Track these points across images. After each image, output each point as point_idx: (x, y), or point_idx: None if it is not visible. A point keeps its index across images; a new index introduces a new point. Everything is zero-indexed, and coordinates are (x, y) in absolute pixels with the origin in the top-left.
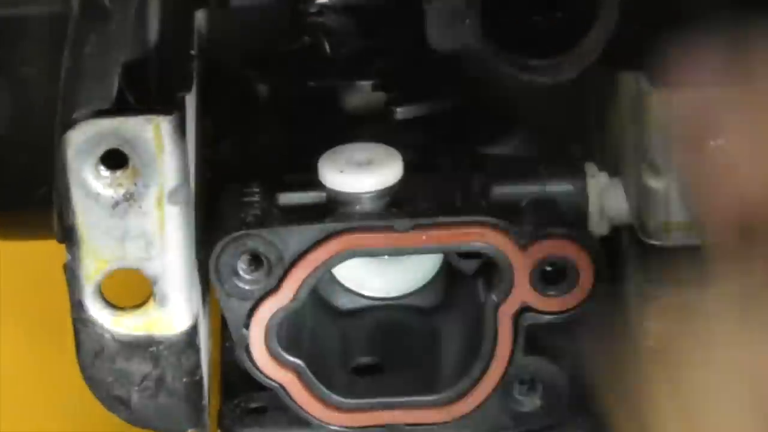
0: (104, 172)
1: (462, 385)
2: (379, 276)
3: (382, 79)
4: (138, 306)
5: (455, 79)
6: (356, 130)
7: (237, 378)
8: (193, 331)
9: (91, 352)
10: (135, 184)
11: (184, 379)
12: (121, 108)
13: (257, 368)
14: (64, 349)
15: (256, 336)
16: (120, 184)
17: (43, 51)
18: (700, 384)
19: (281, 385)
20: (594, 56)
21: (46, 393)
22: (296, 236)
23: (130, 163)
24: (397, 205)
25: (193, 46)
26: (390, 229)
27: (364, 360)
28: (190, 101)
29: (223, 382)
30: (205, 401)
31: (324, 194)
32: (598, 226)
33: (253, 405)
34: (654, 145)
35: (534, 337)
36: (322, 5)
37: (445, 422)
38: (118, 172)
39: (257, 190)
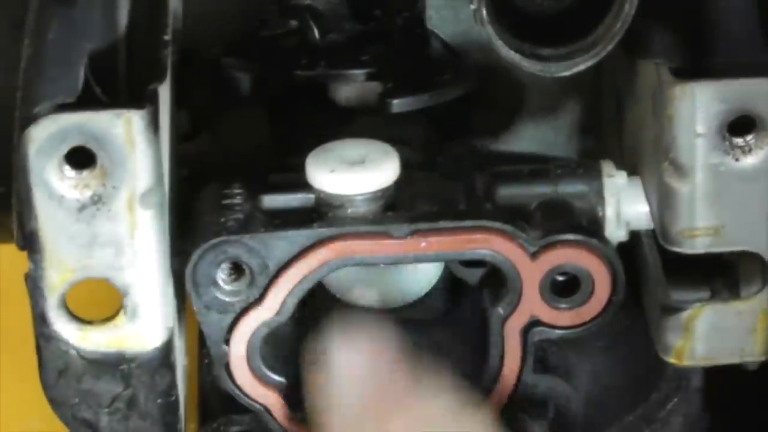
0: (69, 172)
1: None
2: (374, 286)
3: (376, 67)
4: (107, 320)
5: (457, 68)
6: (348, 124)
7: (216, 399)
8: (168, 347)
9: (54, 371)
10: (103, 186)
11: (159, 401)
12: (87, 101)
13: (238, 389)
14: None
15: (238, 353)
16: (86, 186)
17: None
18: None
19: (265, 407)
20: (611, 44)
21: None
22: (282, 243)
23: (98, 163)
24: (394, 208)
25: (167, 31)
26: (386, 235)
27: None
28: (164, 93)
29: (200, 403)
30: (181, 425)
31: (312, 196)
32: (616, 232)
33: (234, 429)
34: (677, 142)
35: (544, 354)
36: None
37: None
38: (85, 173)
39: (239, 191)
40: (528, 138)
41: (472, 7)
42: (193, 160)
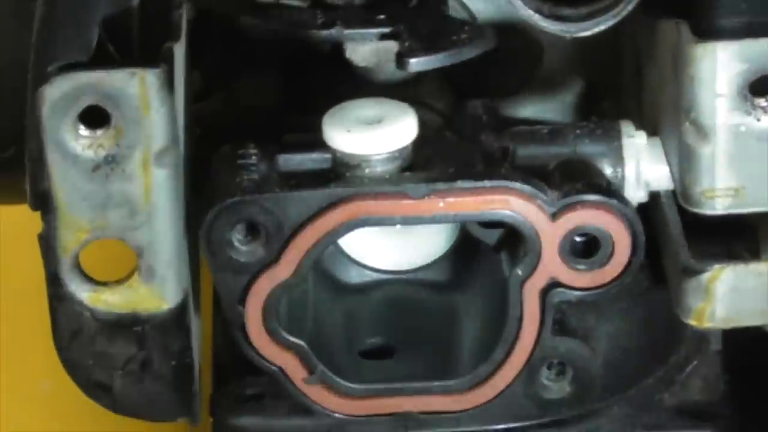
0: (83, 131)
1: (483, 369)
2: (391, 247)
3: (392, 27)
4: (121, 281)
5: (474, 28)
6: (363, 85)
7: (231, 361)
8: (183, 308)
9: (68, 333)
10: (117, 145)
11: (173, 363)
12: (101, 61)
13: (254, 350)
14: None
15: (253, 314)
16: (101, 145)
17: None
18: None
19: (280, 369)
20: (632, 4)
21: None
22: (298, 203)
23: (113, 122)
24: (411, 168)
25: None
26: (403, 195)
27: (373, 341)
28: (179, 53)
29: (215, 366)
30: (196, 387)
31: (329, 156)
32: (635, 192)
33: (249, 391)
34: (698, 102)
35: (564, 316)
36: None
37: (463, 411)
38: (99, 132)
39: (254, 151)
40: (546, 99)
41: None
42: (208, 120)
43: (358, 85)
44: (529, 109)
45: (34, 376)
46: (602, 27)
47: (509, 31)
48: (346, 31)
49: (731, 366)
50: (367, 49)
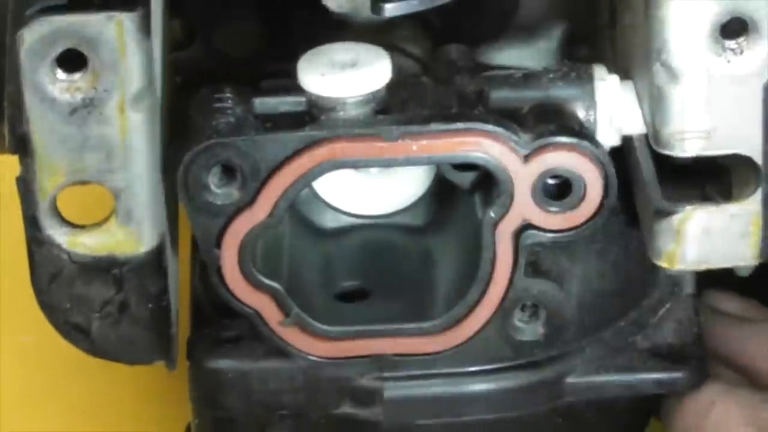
0: (61, 74)
1: (457, 311)
2: (366, 191)
3: None
4: (98, 224)
5: None
6: (338, 30)
7: (208, 304)
8: (160, 251)
9: (46, 275)
10: (95, 89)
11: (150, 305)
12: (79, 3)
13: (230, 292)
14: None
15: (229, 256)
16: (78, 89)
17: None
18: None
19: (256, 312)
20: None
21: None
22: (273, 146)
23: (90, 65)
24: (385, 111)
25: None
26: (377, 137)
27: (349, 284)
28: None
29: (192, 308)
30: (173, 330)
31: (304, 99)
32: (608, 135)
33: (226, 334)
34: (668, 44)
35: (537, 258)
36: None
37: (439, 352)
38: (76, 75)
39: (230, 95)
40: (521, 46)
41: None
42: (188, 67)
43: (336, 31)
44: (506, 55)
45: (14, 330)
46: None
47: None
48: None
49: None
50: None
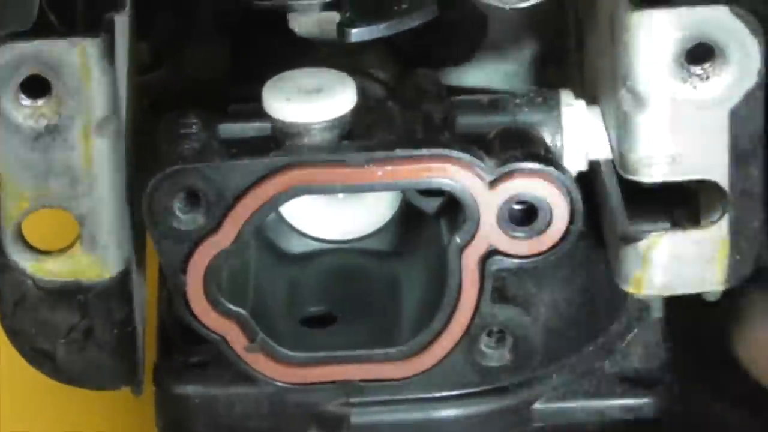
0: (25, 100)
1: (423, 337)
2: (332, 216)
3: None
4: (63, 249)
5: None
6: (306, 55)
7: (175, 330)
8: (125, 277)
9: (11, 301)
10: (59, 115)
11: (115, 331)
12: (42, 30)
13: (196, 318)
14: None
15: (194, 282)
16: (42, 115)
17: None
18: None
19: (222, 337)
20: None
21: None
22: (238, 172)
23: (54, 91)
24: (350, 136)
25: None
26: (342, 163)
27: (315, 309)
28: (122, 22)
29: (159, 334)
30: (139, 355)
31: (269, 125)
32: (574, 161)
33: (193, 359)
34: (634, 70)
35: (503, 284)
36: None
37: (406, 378)
38: (40, 101)
39: (195, 120)
40: (489, 69)
41: None
42: (155, 91)
43: (303, 54)
44: (475, 78)
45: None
46: None
47: (452, 1)
48: (289, 2)
49: (672, 335)
50: (310, 19)
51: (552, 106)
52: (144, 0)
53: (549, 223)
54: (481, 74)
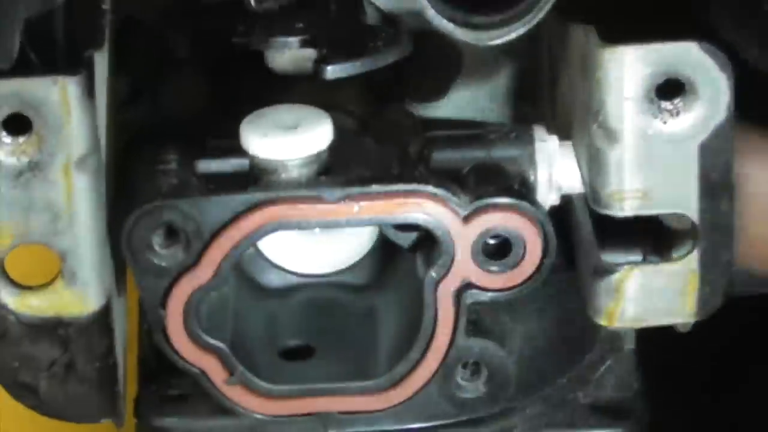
0: (6, 138)
1: (399, 369)
2: (309, 250)
3: (310, 35)
4: (45, 285)
5: (390, 35)
6: (283, 91)
7: (155, 363)
8: (106, 311)
9: None
10: (40, 152)
11: (97, 364)
12: (22, 67)
13: (175, 352)
14: None
15: (174, 316)
16: (24, 152)
17: None
18: None
19: (202, 371)
20: (542, 12)
21: None
22: (216, 207)
23: (34, 129)
24: (327, 172)
25: None
26: (319, 199)
27: (293, 342)
28: (101, 60)
29: (141, 366)
30: (120, 388)
31: (247, 161)
32: (547, 195)
33: (173, 392)
34: (606, 106)
35: (478, 317)
36: None
37: (382, 409)
38: (21, 139)
39: (174, 156)
40: (463, 104)
41: None
42: (134, 126)
43: (280, 90)
44: (449, 112)
45: None
46: (514, 35)
47: (427, 38)
48: (266, 39)
49: (645, 365)
50: (287, 56)
51: (526, 141)
52: (122, 35)
53: (523, 257)
54: (456, 108)
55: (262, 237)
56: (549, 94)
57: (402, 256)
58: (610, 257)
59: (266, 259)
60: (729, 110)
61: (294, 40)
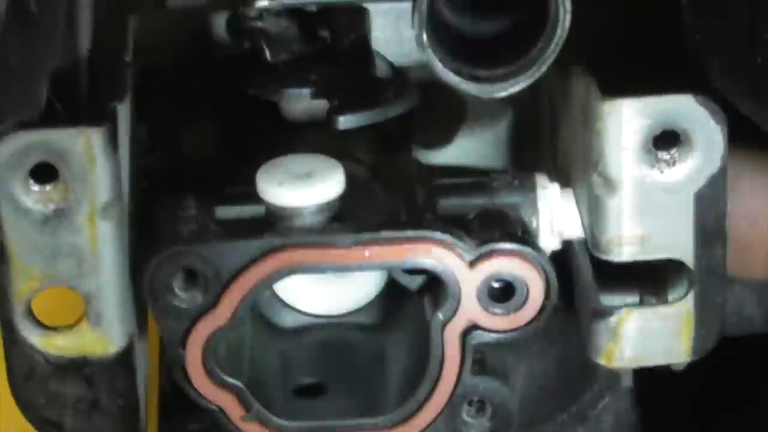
0: (34, 186)
1: (408, 407)
2: (322, 293)
3: (323, 86)
4: (71, 326)
5: (400, 86)
6: (297, 140)
7: (175, 399)
8: (129, 351)
9: (22, 374)
10: (66, 199)
11: (119, 402)
12: (49, 119)
13: (194, 390)
14: None
15: (193, 356)
16: (50, 199)
17: None
18: None
19: (220, 408)
20: (545, 66)
21: None
22: (234, 252)
23: (61, 177)
24: (339, 219)
25: (128, 52)
26: (331, 245)
27: (307, 380)
28: (123, 110)
29: (161, 403)
30: (142, 423)
31: (263, 208)
32: (549, 240)
33: (192, 427)
34: (605, 156)
35: (483, 356)
36: (262, 9)
37: None
38: (48, 186)
39: (193, 202)
40: (468, 151)
41: (414, 31)
42: (154, 171)
43: (293, 138)
44: (453, 159)
45: None
46: (517, 88)
47: (433, 88)
48: (281, 90)
49: (642, 402)
50: (300, 106)
51: (528, 188)
52: (142, 85)
53: (526, 300)
54: (460, 154)
55: (278, 281)
56: (549, 142)
57: (410, 298)
58: (608, 300)
59: (281, 300)
60: (723, 160)
61: (307, 91)
